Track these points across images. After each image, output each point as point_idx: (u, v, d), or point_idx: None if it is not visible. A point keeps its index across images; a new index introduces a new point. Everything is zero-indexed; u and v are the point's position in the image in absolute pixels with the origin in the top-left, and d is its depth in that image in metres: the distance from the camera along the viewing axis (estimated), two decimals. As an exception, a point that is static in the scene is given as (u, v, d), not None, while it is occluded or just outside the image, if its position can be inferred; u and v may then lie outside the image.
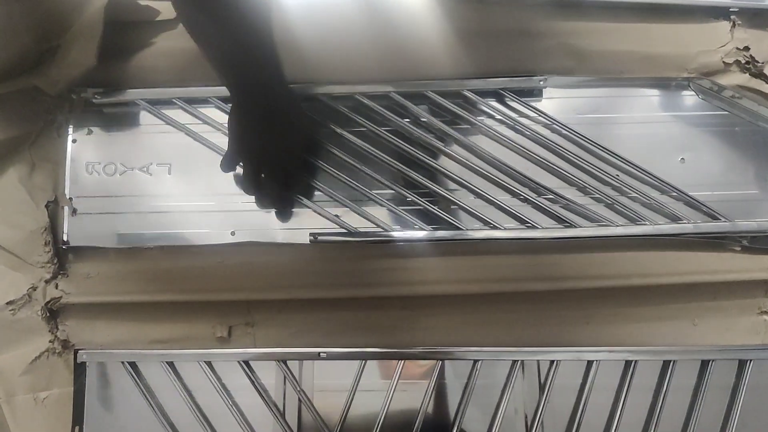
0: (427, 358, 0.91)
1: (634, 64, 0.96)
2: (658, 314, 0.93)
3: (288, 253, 0.94)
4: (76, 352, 0.93)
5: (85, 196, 0.96)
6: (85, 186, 0.97)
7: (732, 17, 0.96)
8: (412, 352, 0.91)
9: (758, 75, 0.94)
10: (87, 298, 0.94)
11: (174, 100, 0.98)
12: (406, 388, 0.91)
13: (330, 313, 0.93)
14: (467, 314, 0.93)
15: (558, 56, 0.96)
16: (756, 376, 0.90)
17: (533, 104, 0.97)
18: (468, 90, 0.96)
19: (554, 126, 0.96)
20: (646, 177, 0.94)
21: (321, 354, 0.91)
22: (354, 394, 0.90)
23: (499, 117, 0.97)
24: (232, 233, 0.94)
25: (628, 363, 0.90)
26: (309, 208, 0.95)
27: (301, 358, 0.92)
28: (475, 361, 0.90)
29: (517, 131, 0.97)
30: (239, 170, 0.95)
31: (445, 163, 0.96)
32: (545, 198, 0.94)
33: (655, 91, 0.98)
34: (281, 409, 0.91)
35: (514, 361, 0.90)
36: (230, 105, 0.92)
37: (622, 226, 0.92)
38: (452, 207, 0.95)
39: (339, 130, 0.96)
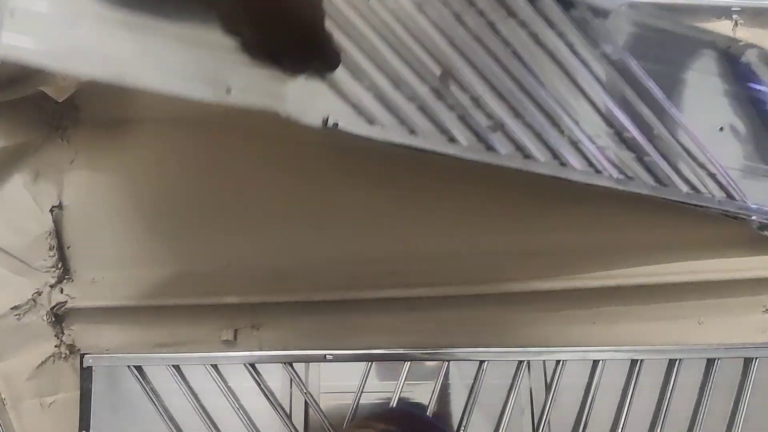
0: (433, 359, 0.91)
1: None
2: (663, 313, 0.93)
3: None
4: (82, 356, 0.93)
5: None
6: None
7: (734, 17, 0.96)
8: (418, 353, 0.91)
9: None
10: (92, 302, 0.94)
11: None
12: (412, 389, 0.91)
13: (335, 315, 0.93)
14: (473, 315, 0.93)
15: None
16: (761, 373, 0.90)
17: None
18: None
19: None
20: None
21: (327, 356, 0.91)
22: (360, 396, 0.90)
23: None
24: (228, 90, 0.69)
25: (634, 362, 0.90)
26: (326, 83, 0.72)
27: (308, 360, 0.92)
28: (481, 362, 0.90)
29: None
30: None
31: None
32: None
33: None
34: (288, 411, 0.91)
35: (520, 362, 0.91)
36: None
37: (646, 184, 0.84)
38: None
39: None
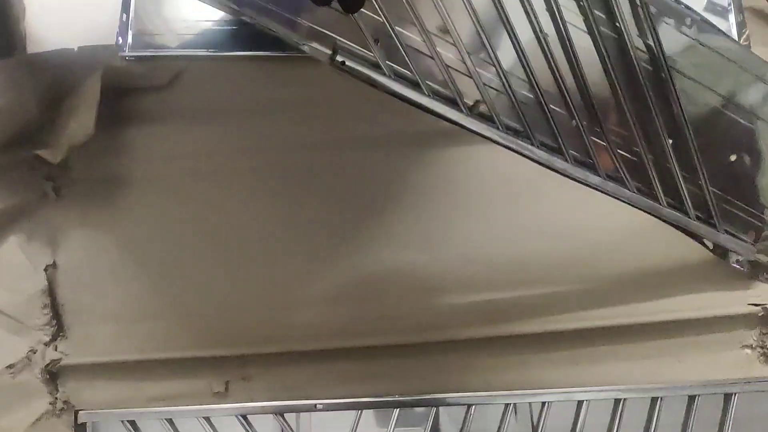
0: (422, 404, 0.93)
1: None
2: (643, 352, 0.96)
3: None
4: (76, 413, 0.94)
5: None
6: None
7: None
8: (407, 399, 0.93)
9: None
10: (86, 358, 0.95)
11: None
12: (403, 436, 0.93)
13: (325, 364, 0.95)
14: (459, 360, 0.95)
15: None
16: (741, 409, 0.92)
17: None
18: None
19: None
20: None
21: (317, 405, 0.92)
22: (351, 444, 0.92)
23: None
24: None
25: (617, 401, 0.92)
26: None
27: (298, 410, 0.93)
28: (469, 406, 0.92)
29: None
30: None
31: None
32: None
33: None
34: (280, 461, 0.93)
35: (507, 405, 0.93)
36: None
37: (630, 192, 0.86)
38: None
39: None
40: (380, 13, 0.72)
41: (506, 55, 0.78)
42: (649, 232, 0.96)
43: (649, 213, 0.88)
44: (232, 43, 1.04)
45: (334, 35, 0.74)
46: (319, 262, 0.99)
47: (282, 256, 0.99)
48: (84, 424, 0.94)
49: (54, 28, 1.04)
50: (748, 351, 0.96)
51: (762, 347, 0.97)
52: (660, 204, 0.87)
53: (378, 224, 1.01)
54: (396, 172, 1.03)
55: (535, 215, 1.00)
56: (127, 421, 0.93)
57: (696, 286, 0.98)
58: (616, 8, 0.78)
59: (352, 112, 1.01)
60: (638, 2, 0.78)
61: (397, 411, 0.92)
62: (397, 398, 0.93)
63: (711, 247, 0.95)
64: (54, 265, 0.99)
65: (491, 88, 0.79)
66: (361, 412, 0.92)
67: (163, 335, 0.96)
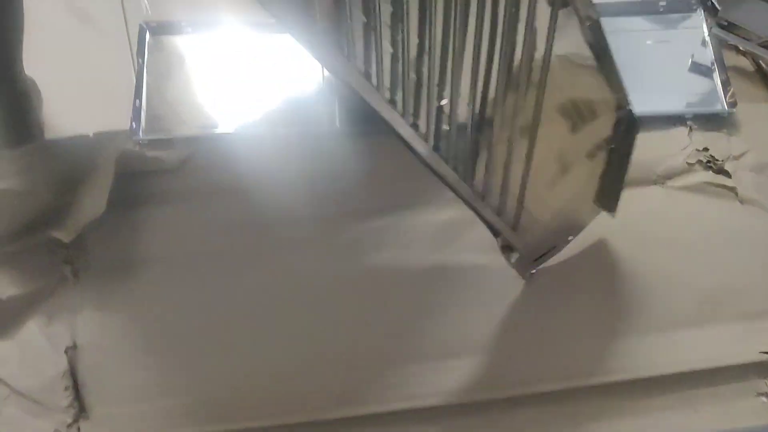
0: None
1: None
2: (660, 404, 0.97)
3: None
4: (99, 494, 0.95)
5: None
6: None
7: (688, 123, 1.05)
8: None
9: (720, 171, 1.03)
10: (109, 438, 0.96)
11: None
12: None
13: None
14: (477, 422, 0.96)
15: None
16: (761, 458, 0.93)
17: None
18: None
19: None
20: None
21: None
22: None
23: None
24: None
25: (636, 456, 0.93)
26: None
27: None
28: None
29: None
30: None
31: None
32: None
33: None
34: None
35: (527, 466, 0.93)
36: None
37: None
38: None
39: None
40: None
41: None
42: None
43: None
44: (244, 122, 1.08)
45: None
46: (343, 333, 1.00)
47: (302, 330, 1.01)
48: (107, 507, 0.95)
49: (70, 115, 1.08)
50: (764, 399, 0.97)
51: (776, 395, 0.98)
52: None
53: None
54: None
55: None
56: (151, 501, 0.94)
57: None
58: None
59: (365, 184, 1.04)
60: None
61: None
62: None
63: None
64: (74, 346, 1.00)
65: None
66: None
67: (184, 412, 0.97)
